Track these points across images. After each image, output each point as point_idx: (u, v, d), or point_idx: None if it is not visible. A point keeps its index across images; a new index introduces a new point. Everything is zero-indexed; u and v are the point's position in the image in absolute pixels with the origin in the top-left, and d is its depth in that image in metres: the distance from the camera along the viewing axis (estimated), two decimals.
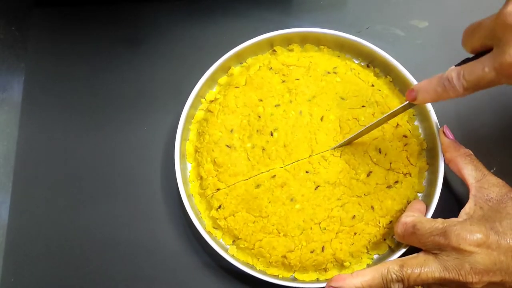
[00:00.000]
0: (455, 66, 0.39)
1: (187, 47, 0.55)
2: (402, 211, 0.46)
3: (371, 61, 0.51)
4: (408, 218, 0.42)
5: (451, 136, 0.46)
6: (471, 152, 0.45)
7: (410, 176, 0.47)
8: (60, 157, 0.53)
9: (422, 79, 0.48)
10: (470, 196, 0.42)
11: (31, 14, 0.57)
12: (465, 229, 0.39)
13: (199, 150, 0.50)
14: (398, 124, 0.48)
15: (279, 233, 0.46)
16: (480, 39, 0.37)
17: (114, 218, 0.51)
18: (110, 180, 0.52)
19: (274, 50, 0.51)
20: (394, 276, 0.40)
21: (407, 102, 0.42)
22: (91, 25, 0.56)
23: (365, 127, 0.45)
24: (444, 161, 0.46)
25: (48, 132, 0.54)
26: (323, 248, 0.45)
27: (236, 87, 0.50)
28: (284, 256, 0.46)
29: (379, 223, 0.46)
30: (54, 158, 0.53)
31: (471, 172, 0.43)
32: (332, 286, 0.42)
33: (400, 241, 0.43)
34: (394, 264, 0.41)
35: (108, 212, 0.51)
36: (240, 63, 0.52)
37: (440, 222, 0.40)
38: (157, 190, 0.51)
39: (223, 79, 0.52)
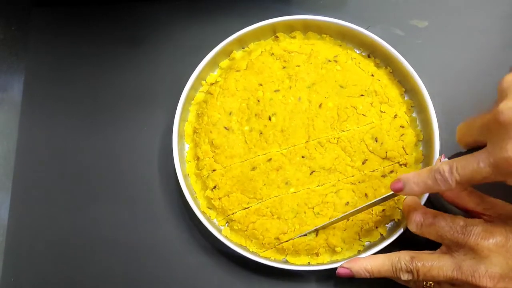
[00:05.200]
0: (447, 159, 0.39)
1: (187, 46, 0.55)
2: (395, 201, 0.46)
3: (372, 52, 0.51)
4: (428, 209, 0.41)
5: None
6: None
7: (406, 166, 0.47)
8: (60, 157, 0.53)
9: (422, 79, 0.48)
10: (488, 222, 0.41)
11: (31, 14, 0.57)
12: (485, 230, 0.38)
13: (197, 131, 0.50)
14: (396, 115, 0.48)
15: (273, 215, 0.46)
16: (474, 135, 0.37)
17: (115, 217, 0.51)
18: (110, 179, 0.52)
19: (277, 37, 0.52)
20: (404, 265, 0.40)
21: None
22: (91, 25, 0.56)
23: (348, 213, 0.45)
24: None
25: (48, 132, 0.54)
26: (317, 233, 0.46)
27: (237, 70, 0.50)
28: (277, 238, 0.46)
29: (372, 210, 0.46)
30: (54, 158, 0.53)
31: (469, 198, 0.41)
32: (343, 267, 0.43)
33: (414, 230, 0.41)
34: (406, 254, 0.41)
35: (108, 211, 0.51)
36: (242, 48, 0.53)
37: (461, 219, 0.39)
38: (155, 180, 0.51)
39: (224, 63, 0.52)
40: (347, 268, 0.43)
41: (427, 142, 0.48)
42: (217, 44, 0.50)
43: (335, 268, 0.44)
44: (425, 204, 0.44)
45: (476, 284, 0.37)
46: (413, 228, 0.41)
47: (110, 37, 0.56)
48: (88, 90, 0.54)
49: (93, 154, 0.52)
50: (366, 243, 0.47)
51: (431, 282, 0.41)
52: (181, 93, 0.49)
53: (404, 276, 0.40)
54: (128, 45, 0.55)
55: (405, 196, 0.44)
